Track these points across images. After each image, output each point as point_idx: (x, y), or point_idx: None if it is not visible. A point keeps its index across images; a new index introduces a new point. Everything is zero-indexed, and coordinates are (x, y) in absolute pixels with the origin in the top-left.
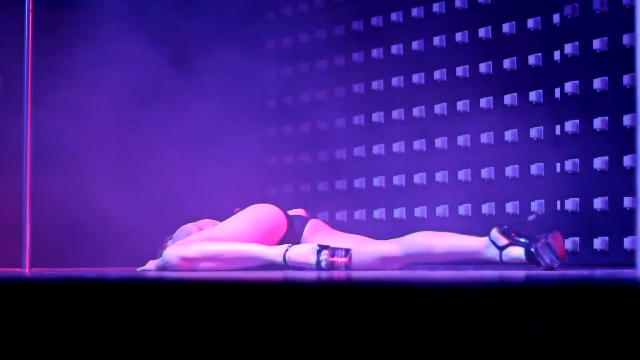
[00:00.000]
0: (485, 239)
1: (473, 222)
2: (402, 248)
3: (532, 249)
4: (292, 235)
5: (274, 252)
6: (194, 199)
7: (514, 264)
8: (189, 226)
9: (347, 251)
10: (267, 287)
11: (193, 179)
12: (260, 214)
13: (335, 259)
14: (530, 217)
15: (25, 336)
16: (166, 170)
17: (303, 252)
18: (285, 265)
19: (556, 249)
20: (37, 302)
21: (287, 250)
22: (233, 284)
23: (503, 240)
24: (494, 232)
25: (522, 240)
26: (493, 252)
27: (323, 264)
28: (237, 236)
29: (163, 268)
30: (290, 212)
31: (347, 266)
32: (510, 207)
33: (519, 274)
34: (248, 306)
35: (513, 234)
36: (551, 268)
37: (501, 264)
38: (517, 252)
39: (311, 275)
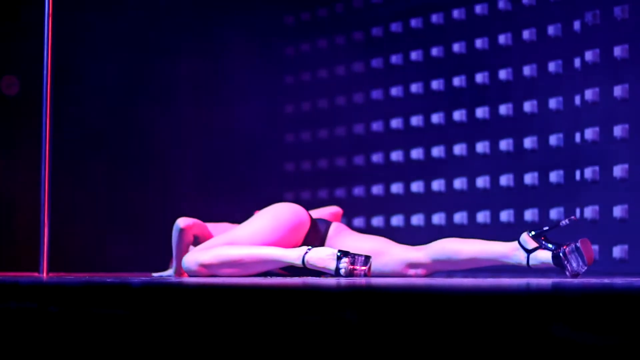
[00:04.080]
0: (514, 243)
1: (491, 230)
2: (429, 254)
3: (561, 253)
4: (317, 234)
5: (293, 255)
6: (212, 205)
7: (540, 269)
8: (210, 226)
9: (367, 259)
10: (289, 292)
11: (213, 185)
12: (280, 212)
13: (355, 267)
14: (563, 222)
15: (43, 340)
16: (184, 175)
17: (322, 256)
18: (304, 268)
19: (585, 254)
20: (56, 306)
21: (306, 253)
22: (253, 289)
23: (532, 244)
24: (524, 236)
25: (550, 245)
26: (521, 256)
27: (342, 271)
28: (258, 238)
29: (180, 274)
30: (322, 210)
31: (367, 274)
32: (529, 215)
33: (542, 281)
34: (269, 311)
35: (542, 239)
36: (577, 274)
37: (528, 269)
38: (544, 255)
39: (332, 282)
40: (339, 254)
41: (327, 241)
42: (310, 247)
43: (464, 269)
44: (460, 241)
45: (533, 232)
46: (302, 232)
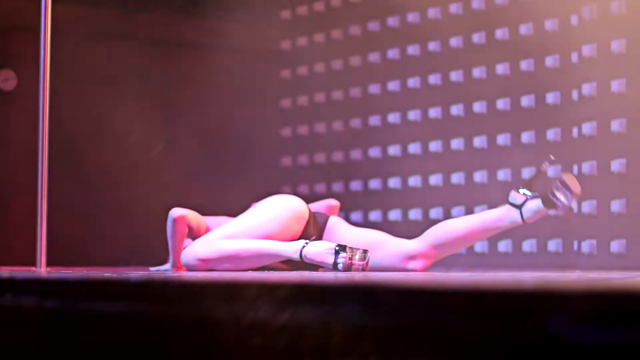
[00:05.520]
0: (505, 206)
1: None
2: (426, 242)
3: (549, 194)
4: (315, 227)
5: (291, 249)
6: (209, 199)
7: (535, 220)
8: (208, 219)
9: (365, 254)
10: (286, 286)
11: (209, 179)
12: (279, 204)
13: (353, 261)
14: (543, 167)
15: (40, 335)
16: (182, 168)
17: (320, 251)
18: (301, 262)
19: (571, 187)
20: (53, 301)
21: (304, 247)
22: (250, 284)
23: (520, 198)
24: (512, 193)
25: (536, 192)
26: (514, 215)
27: (340, 266)
28: (256, 231)
29: (177, 267)
30: (320, 203)
31: (364, 269)
32: None
33: (539, 275)
34: (267, 306)
35: (528, 189)
36: (569, 209)
37: (524, 224)
38: (535, 204)
39: (330, 276)
40: (337, 248)
41: (325, 234)
42: (307, 240)
43: (464, 247)
44: (453, 220)
45: (519, 188)
46: (301, 224)
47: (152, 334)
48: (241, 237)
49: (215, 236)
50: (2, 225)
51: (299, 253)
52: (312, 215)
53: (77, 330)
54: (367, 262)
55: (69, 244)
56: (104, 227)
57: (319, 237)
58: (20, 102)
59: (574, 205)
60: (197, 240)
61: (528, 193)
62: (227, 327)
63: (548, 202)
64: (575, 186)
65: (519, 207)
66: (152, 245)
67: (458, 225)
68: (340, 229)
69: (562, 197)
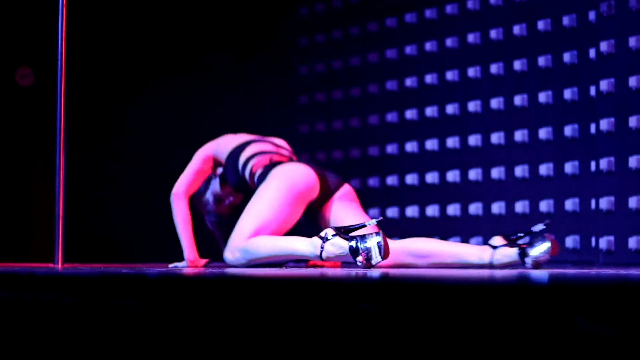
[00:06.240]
0: (484, 246)
1: (505, 221)
2: (399, 243)
3: (527, 248)
4: (324, 188)
5: (310, 250)
6: None
7: (503, 266)
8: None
9: (381, 244)
10: (304, 283)
11: None
12: (293, 178)
13: (372, 262)
14: (536, 227)
15: (58, 331)
16: None
17: (338, 254)
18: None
19: (551, 249)
20: (71, 297)
21: (322, 248)
22: (269, 281)
23: (499, 241)
24: (494, 237)
25: (518, 243)
26: (485, 255)
27: (360, 265)
28: (278, 212)
29: (192, 261)
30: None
31: (384, 257)
32: (544, 206)
33: (559, 272)
34: (285, 303)
35: (512, 238)
36: (538, 265)
37: (490, 267)
38: (511, 252)
39: (346, 273)
40: (353, 245)
41: (332, 207)
42: (323, 243)
43: (427, 263)
44: (432, 240)
45: (508, 236)
46: (314, 193)
47: (168, 330)
48: (269, 224)
49: (245, 229)
50: (23, 221)
51: (318, 257)
52: (323, 177)
53: (94, 326)
54: (383, 251)
55: (92, 241)
56: (125, 224)
57: (324, 201)
58: (37, 98)
59: (544, 261)
60: (233, 238)
61: (509, 241)
62: (242, 324)
63: (523, 255)
64: (555, 249)
65: (493, 247)
66: (173, 243)
67: (432, 245)
68: (345, 211)
69: (538, 250)
